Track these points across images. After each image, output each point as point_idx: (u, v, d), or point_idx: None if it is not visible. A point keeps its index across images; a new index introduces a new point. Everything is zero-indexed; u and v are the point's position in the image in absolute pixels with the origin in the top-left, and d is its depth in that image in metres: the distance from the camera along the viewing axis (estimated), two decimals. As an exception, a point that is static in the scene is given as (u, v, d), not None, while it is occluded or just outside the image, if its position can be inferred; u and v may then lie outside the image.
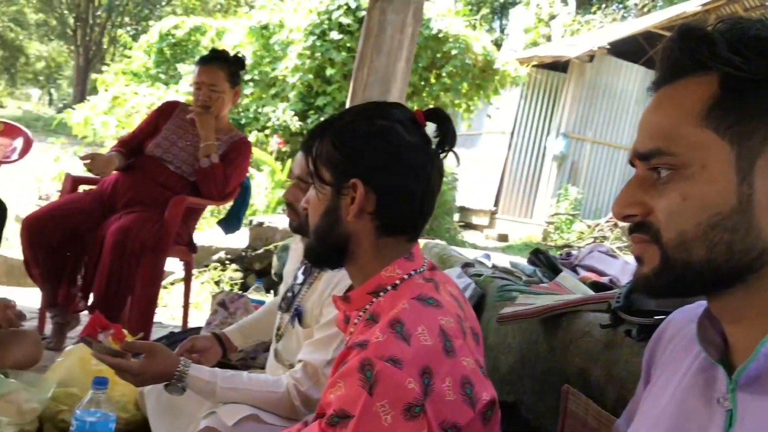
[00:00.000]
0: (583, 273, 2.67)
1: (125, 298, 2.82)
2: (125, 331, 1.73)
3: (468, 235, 10.53)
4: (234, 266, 4.89)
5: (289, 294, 1.98)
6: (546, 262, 2.48)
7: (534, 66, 11.10)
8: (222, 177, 3.12)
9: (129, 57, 13.19)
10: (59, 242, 2.89)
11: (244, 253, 4.96)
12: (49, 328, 3.10)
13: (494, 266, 2.64)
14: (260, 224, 5.01)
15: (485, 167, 11.84)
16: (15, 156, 3.49)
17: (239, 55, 3.28)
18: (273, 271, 3.36)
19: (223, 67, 3.15)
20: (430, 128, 1.28)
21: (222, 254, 5.00)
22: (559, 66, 11.46)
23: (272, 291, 3.93)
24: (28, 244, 2.89)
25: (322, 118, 8.52)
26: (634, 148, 0.80)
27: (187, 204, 3.02)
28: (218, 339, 2.18)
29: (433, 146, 1.25)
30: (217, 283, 4.79)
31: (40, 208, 2.99)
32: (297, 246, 2.11)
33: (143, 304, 2.89)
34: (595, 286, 2.22)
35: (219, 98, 3.15)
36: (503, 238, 11.17)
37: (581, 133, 11.47)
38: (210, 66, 3.15)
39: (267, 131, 8.58)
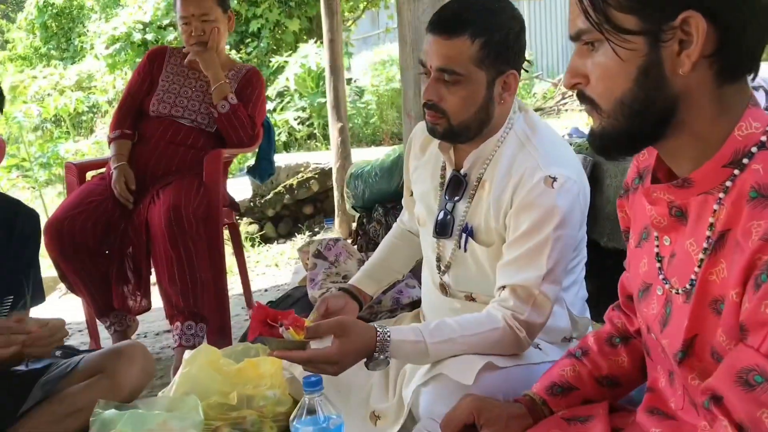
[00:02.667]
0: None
1: (195, 282, 2.40)
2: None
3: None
4: (246, 219, 4.45)
5: (443, 215, 1.64)
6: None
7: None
8: (246, 118, 2.68)
9: (10, 41, 12.07)
10: (94, 240, 2.44)
11: (251, 203, 4.51)
12: (105, 340, 2.68)
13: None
14: (256, 167, 4.54)
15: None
16: (-9, 161, 2.93)
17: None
18: (350, 204, 2.95)
19: (209, -10, 2.65)
20: None
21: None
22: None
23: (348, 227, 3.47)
24: (58, 252, 2.43)
25: (262, 45, 7.97)
26: None
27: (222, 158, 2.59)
28: (349, 293, 1.84)
29: None
30: (233, 241, 4.35)
31: (57, 209, 2.50)
32: (423, 162, 1.74)
33: (214, 284, 2.49)
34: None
35: (214, 29, 2.69)
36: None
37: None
38: (193, -7, 2.65)
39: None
